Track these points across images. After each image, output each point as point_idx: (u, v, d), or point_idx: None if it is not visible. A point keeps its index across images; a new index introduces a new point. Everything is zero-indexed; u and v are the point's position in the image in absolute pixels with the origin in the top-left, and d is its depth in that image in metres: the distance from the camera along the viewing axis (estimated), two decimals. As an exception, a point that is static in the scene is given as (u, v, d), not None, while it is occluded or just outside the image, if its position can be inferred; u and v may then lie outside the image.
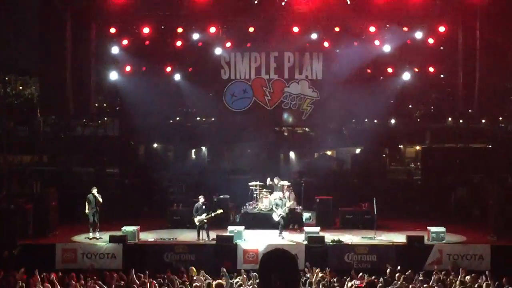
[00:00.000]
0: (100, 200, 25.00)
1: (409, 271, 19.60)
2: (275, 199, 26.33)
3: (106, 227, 25.75)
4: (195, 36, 30.65)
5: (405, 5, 28.75)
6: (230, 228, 24.91)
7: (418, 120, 37.09)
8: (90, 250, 23.88)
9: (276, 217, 25.42)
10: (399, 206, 30.32)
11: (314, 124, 36.35)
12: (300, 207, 28.24)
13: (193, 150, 40.19)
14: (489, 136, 34.27)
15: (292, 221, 26.94)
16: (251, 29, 30.54)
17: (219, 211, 25.05)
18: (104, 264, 23.18)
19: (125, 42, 30.35)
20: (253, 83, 32.91)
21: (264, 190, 28.63)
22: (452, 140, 34.41)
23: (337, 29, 30.49)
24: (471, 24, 30.51)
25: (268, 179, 28.54)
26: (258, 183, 28.85)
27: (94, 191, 25.03)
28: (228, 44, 31.77)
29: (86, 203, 24.94)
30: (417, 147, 41.31)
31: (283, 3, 28.95)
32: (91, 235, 24.99)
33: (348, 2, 28.29)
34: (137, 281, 17.62)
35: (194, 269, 19.97)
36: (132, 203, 30.71)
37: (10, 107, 32.25)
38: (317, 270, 19.08)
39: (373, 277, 19.25)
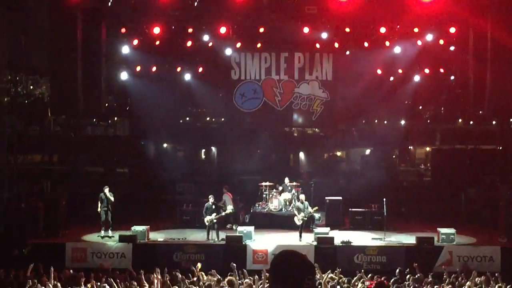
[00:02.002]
0: (112, 199, 25.05)
1: (419, 274, 19.54)
2: (296, 203, 26.28)
3: (116, 226, 25.78)
4: (206, 36, 30.68)
5: (415, 6, 28.68)
6: (239, 228, 24.94)
7: (428, 121, 37.05)
8: (100, 249, 23.95)
9: (298, 221, 25.25)
10: (409, 207, 30.26)
11: (324, 125, 36.36)
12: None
13: (203, 150, 40.23)
14: (499, 137, 34.12)
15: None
16: (261, 30, 30.55)
17: (230, 208, 25.02)
18: (114, 263, 23.22)
19: (135, 42, 30.40)
20: (263, 83, 32.96)
21: (274, 190, 28.67)
22: (463, 141, 34.31)
23: (347, 29, 30.46)
24: (482, 25, 30.42)
25: (286, 179, 28.66)
26: (268, 183, 28.88)
27: (106, 190, 25.11)
28: (238, 45, 31.83)
29: (99, 202, 25.04)
30: (427, 148, 41.20)
31: (293, 4, 28.92)
32: (103, 233, 25.09)
33: (358, 3, 28.24)
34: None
35: (199, 265, 19.94)
36: (142, 202, 30.74)
37: (20, 106, 32.30)
38: (328, 272, 19.04)
39: (382, 277, 19.23)
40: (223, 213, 24.78)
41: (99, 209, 25.02)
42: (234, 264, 19.08)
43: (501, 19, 29.48)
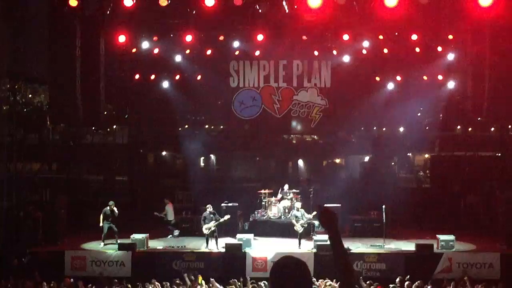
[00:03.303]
0: (116, 213, 25.18)
1: (419, 281, 19.54)
2: (293, 211, 26.29)
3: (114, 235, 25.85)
4: (204, 44, 30.71)
5: (414, 13, 28.74)
6: (238, 236, 24.92)
7: (427, 128, 37.00)
8: (99, 257, 23.94)
9: (299, 229, 25.21)
10: (408, 214, 30.25)
11: (322, 132, 36.36)
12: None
13: (202, 158, 40.21)
14: (498, 144, 34.12)
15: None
16: (260, 38, 30.57)
17: (226, 217, 25.02)
18: (113, 271, 23.21)
19: (134, 50, 30.44)
20: (262, 91, 32.98)
21: (273, 198, 28.66)
22: (461, 148, 34.31)
23: (345, 37, 30.48)
24: (480, 31, 30.46)
25: (286, 186, 28.66)
26: (266, 191, 28.88)
27: (113, 205, 25.23)
28: (237, 52, 31.87)
29: (101, 216, 25.05)
30: (426, 155, 41.18)
31: (292, 11, 28.95)
32: (102, 244, 25.04)
33: (357, 10, 28.30)
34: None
35: (201, 277, 19.97)
36: (141, 210, 30.73)
37: (19, 115, 32.28)
38: (326, 281, 19.06)
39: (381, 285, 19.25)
40: (221, 220, 24.74)
41: (101, 224, 25.03)
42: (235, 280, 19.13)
43: (499, 25, 29.53)
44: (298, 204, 26.32)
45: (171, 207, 28.07)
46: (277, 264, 5.47)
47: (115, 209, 25.19)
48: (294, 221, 25.34)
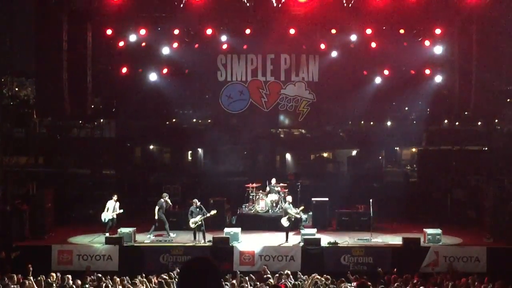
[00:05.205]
0: (170, 205, 25.96)
1: (406, 275, 19.61)
2: (283, 204, 26.32)
3: (102, 228, 25.75)
4: (192, 37, 30.63)
5: (401, 7, 28.80)
6: (226, 230, 24.90)
7: (414, 122, 37.09)
8: (86, 251, 23.84)
9: (285, 223, 25.21)
10: (395, 208, 30.30)
11: (310, 126, 36.38)
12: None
13: (189, 152, 40.15)
14: (485, 138, 34.25)
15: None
16: (248, 31, 30.55)
17: (213, 212, 24.99)
18: (100, 266, 23.13)
19: (121, 43, 30.34)
20: (250, 85, 32.93)
21: (261, 191, 28.65)
22: (448, 142, 34.41)
23: (333, 31, 30.51)
24: (467, 26, 30.55)
25: (273, 180, 28.64)
26: (254, 185, 28.86)
27: (167, 197, 25.78)
28: (225, 46, 31.80)
29: (157, 208, 25.47)
30: (413, 149, 41.29)
31: (279, 5, 28.94)
32: (173, 234, 25.74)
33: (345, 4, 28.31)
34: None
35: None
36: (128, 204, 30.64)
37: (6, 108, 32.11)
38: (314, 275, 19.06)
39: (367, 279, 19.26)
40: (208, 215, 24.69)
41: (156, 217, 25.42)
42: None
43: (486, 20, 29.62)
44: (289, 198, 26.32)
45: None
46: (185, 266, 5.38)
47: (168, 200, 25.74)
48: (283, 213, 25.40)
